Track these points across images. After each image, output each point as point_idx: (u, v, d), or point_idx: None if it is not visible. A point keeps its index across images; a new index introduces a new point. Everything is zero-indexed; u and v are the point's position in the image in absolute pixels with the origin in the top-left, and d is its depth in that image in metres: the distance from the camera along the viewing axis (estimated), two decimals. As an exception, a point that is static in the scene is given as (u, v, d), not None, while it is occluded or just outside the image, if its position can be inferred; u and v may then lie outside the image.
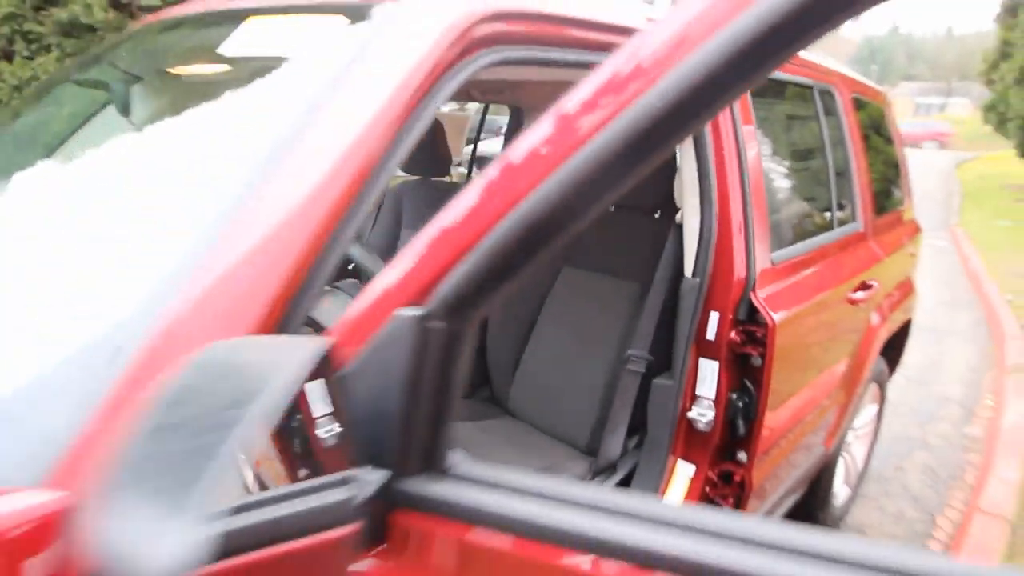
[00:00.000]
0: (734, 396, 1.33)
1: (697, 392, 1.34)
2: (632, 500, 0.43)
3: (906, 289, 2.43)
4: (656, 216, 1.77)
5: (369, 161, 0.67)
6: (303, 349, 0.41)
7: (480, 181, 0.50)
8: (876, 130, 2.41)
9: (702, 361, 1.33)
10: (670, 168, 1.45)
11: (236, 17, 1.04)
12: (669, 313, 1.41)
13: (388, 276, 0.52)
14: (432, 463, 0.46)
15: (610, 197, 0.44)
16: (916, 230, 2.69)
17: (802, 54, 1.60)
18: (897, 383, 2.95)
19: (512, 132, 2.85)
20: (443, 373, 0.46)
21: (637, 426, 1.46)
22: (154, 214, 0.72)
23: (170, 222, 0.70)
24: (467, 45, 0.78)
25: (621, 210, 1.73)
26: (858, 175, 2.06)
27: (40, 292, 0.69)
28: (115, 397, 0.53)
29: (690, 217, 1.34)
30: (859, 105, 2.19)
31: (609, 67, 0.45)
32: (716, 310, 1.31)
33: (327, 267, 0.65)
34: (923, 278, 2.88)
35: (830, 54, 2.41)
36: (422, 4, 0.81)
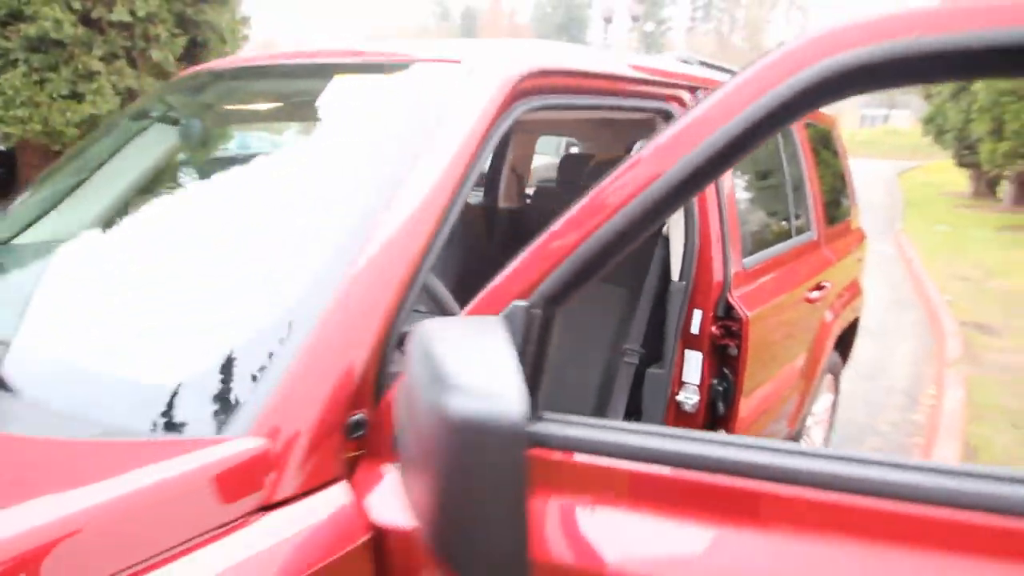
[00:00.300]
0: (715, 382, 1.56)
1: (684, 379, 1.57)
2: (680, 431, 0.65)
3: (854, 290, 2.74)
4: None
5: (449, 198, 0.88)
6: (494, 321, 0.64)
7: (564, 218, 0.71)
8: (825, 146, 2.72)
9: (687, 352, 1.56)
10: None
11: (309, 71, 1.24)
12: (658, 312, 1.64)
13: (499, 280, 0.73)
14: (535, 410, 0.67)
15: (655, 225, 0.65)
16: (862, 237, 3.02)
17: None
18: (849, 377, 3.26)
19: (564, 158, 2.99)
20: (541, 345, 0.67)
21: (632, 411, 1.69)
22: (307, 237, 0.92)
23: (316, 243, 0.89)
24: (516, 95, 1.00)
25: None
26: (811, 189, 2.35)
27: (243, 290, 0.89)
28: (295, 367, 0.73)
29: (675, 230, 1.58)
30: (809, 124, 2.49)
31: (661, 138, 0.66)
32: (699, 308, 1.54)
33: (417, 288, 0.85)
34: (870, 281, 3.21)
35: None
36: (481, 64, 1.03)
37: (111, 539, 0.57)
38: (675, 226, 1.58)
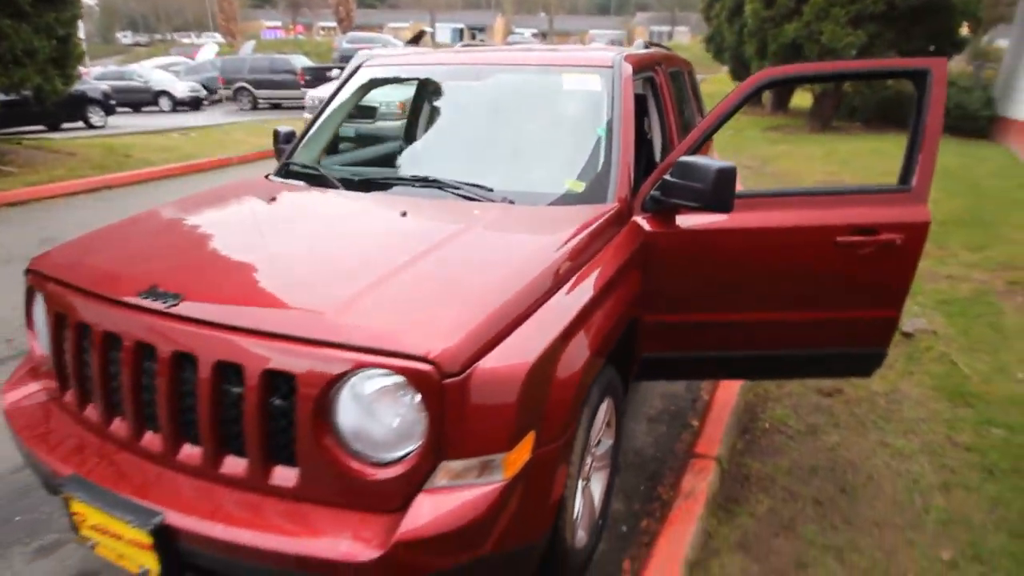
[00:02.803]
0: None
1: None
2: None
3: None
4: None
5: (628, 133, 2.33)
6: None
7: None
8: (694, 89, 4.41)
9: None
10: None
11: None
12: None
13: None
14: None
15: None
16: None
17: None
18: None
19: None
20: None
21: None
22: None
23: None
24: (634, 80, 2.43)
25: None
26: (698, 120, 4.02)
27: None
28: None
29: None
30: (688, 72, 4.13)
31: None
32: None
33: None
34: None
35: None
36: (619, 66, 2.43)
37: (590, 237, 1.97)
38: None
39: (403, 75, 3.04)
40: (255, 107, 19.40)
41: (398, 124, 2.80)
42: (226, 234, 2.00)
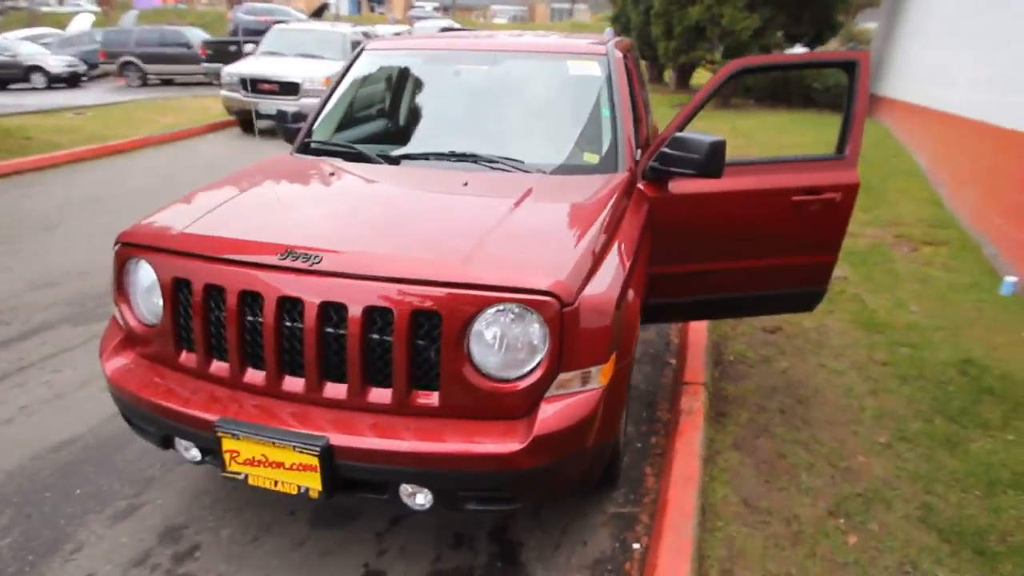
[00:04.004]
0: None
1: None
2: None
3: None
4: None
5: (631, 110, 2.73)
6: None
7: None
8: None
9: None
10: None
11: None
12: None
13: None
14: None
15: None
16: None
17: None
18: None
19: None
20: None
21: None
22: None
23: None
24: (623, 62, 2.83)
25: None
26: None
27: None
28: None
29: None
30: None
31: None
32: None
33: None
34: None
35: None
36: (612, 52, 2.82)
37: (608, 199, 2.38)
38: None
39: (409, 59, 3.25)
40: (145, 83, 18.04)
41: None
42: (317, 202, 2.22)
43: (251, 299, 1.78)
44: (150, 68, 18.00)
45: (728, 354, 3.55)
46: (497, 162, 2.52)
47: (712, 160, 2.43)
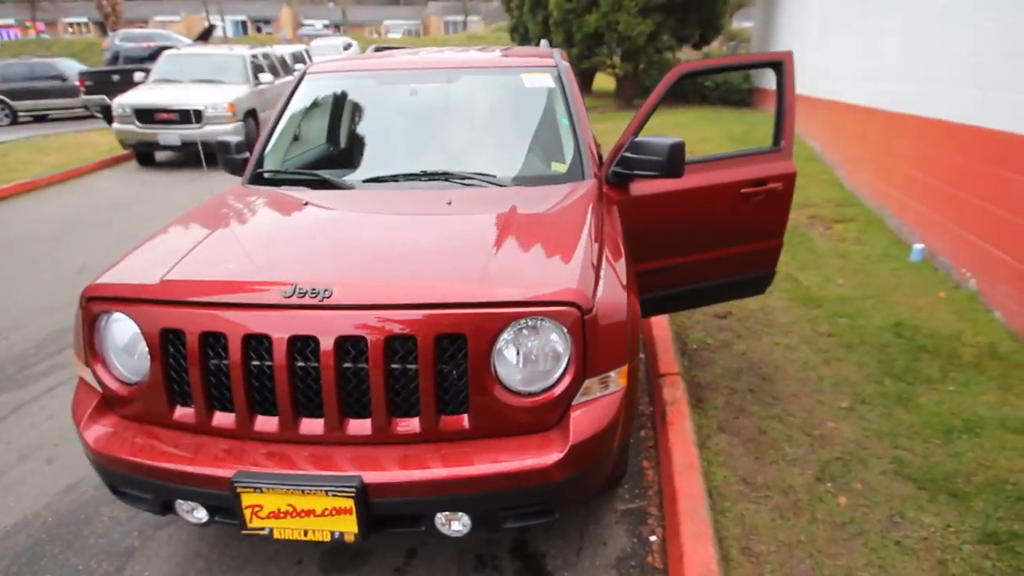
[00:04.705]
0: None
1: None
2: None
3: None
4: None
5: (586, 121, 2.80)
6: None
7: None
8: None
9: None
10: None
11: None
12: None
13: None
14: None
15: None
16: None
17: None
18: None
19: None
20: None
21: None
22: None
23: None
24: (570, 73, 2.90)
25: None
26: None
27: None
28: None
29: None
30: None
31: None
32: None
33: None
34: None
35: None
36: (560, 65, 2.89)
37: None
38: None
39: (359, 80, 3.17)
40: (15, 121, 16.46)
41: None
42: (300, 234, 2.12)
43: (255, 343, 1.68)
44: (20, 105, 16.44)
45: (691, 343, 3.71)
46: (470, 178, 2.52)
47: (673, 161, 2.55)
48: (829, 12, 8.57)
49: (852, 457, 2.60)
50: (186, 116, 9.32)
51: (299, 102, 3.06)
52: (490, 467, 1.63)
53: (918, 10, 5.33)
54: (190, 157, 10.22)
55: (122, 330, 1.83)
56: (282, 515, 1.65)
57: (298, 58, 14.22)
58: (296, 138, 3.02)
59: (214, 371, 1.73)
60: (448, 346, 1.66)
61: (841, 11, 7.87)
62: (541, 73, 2.92)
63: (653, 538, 2.28)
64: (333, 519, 1.63)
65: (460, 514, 1.68)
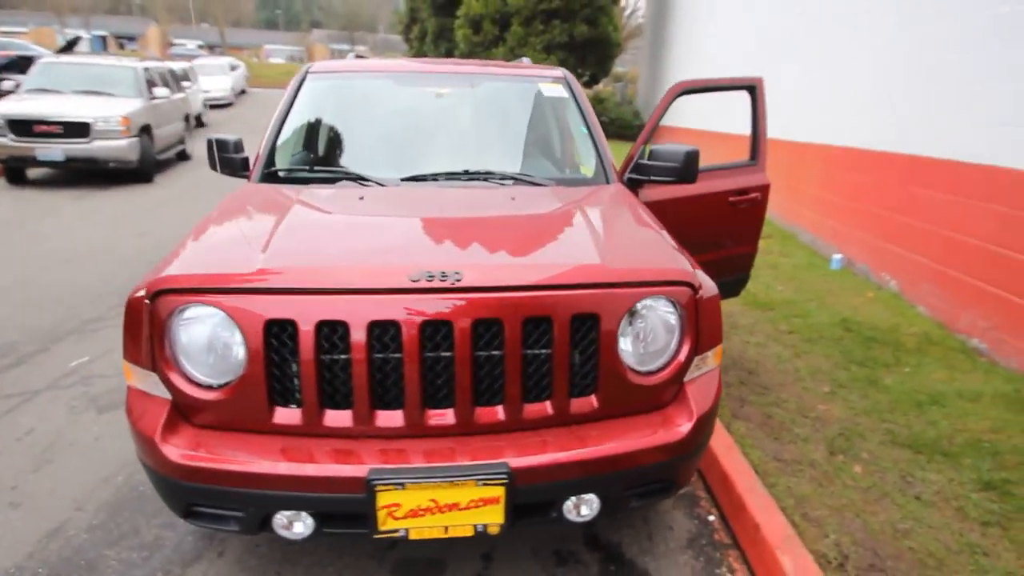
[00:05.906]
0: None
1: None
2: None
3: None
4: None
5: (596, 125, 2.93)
6: None
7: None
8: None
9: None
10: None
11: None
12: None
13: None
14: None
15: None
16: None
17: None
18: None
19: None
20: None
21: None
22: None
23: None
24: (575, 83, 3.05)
25: None
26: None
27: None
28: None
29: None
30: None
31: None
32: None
33: None
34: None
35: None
36: (567, 76, 3.03)
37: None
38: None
39: (375, 82, 3.06)
40: None
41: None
42: (383, 223, 2.05)
43: (380, 331, 1.60)
44: None
45: (674, 344, 3.94)
46: (512, 178, 2.56)
47: (688, 167, 2.75)
48: (715, 51, 9.57)
49: (851, 432, 2.89)
50: (72, 129, 8.36)
51: (304, 102, 2.93)
52: (627, 444, 1.65)
53: (812, 53, 6.15)
54: (72, 175, 9.17)
55: (202, 327, 1.65)
56: (421, 513, 1.55)
57: (182, 76, 13.32)
58: (306, 138, 2.88)
59: (328, 365, 1.61)
60: (580, 326, 1.68)
61: (728, 52, 8.83)
62: (555, 84, 3.04)
63: (711, 517, 2.39)
64: (478, 511, 1.56)
65: (590, 497, 1.68)
